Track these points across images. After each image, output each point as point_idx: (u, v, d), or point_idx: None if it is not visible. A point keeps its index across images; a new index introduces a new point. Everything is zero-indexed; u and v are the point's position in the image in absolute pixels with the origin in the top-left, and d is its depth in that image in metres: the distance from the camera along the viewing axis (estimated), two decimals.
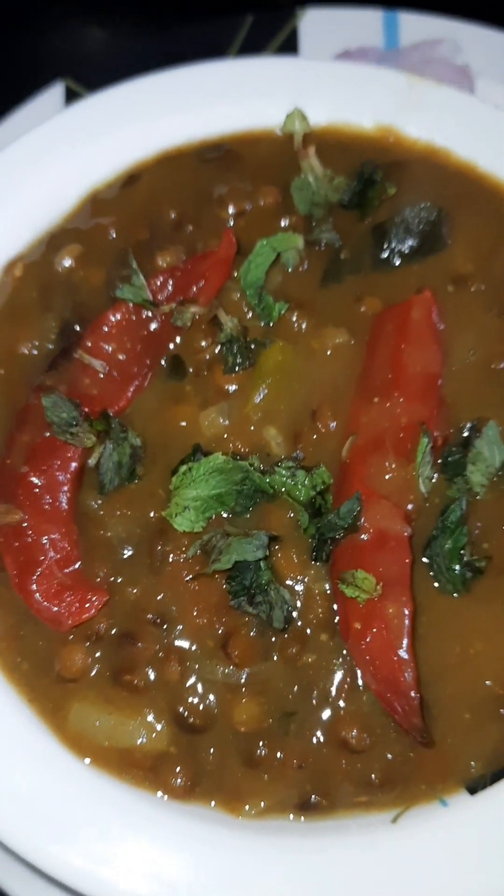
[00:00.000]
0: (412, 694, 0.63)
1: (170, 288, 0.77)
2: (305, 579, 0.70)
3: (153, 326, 0.77)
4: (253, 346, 0.76)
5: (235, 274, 0.79)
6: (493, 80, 1.07)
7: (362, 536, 0.68)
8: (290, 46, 1.09)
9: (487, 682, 0.68)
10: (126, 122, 0.88)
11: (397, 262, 0.81)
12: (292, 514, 0.72)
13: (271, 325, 0.78)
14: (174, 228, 0.82)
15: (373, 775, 0.66)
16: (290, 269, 0.80)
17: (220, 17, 1.10)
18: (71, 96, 1.05)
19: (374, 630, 0.64)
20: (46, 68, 1.10)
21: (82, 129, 0.87)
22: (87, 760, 0.67)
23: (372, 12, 1.12)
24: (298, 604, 0.69)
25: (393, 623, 0.64)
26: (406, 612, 0.65)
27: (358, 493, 0.69)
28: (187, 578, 0.69)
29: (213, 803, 0.66)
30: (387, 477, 0.71)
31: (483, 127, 0.86)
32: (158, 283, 0.77)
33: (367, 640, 0.64)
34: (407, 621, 0.65)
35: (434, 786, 0.67)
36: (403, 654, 0.64)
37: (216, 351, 0.76)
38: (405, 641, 0.64)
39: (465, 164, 0.85)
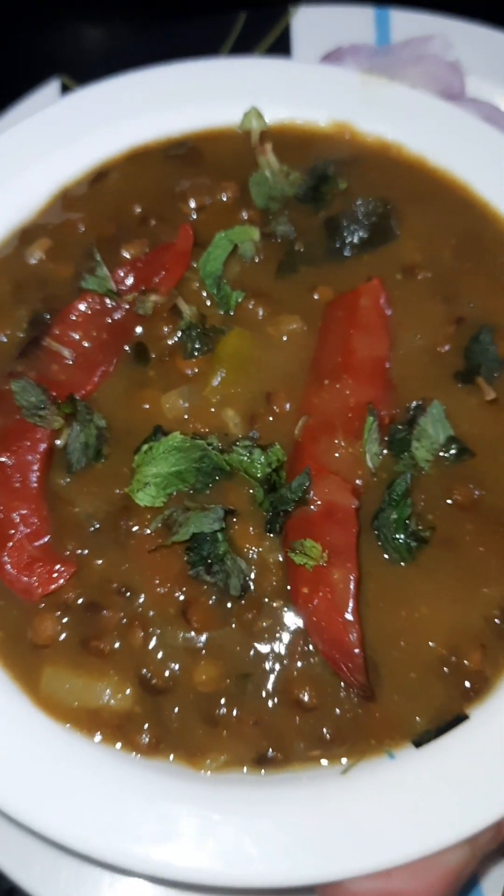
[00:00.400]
0: (356, 652, 0.68)
1: (132, 279, 0.81)
2: (260, 550, 0.74)
3: (117, 315, 0.81)
4: (212, 333, 0.81)
5: (195, 265, 0.83)
6: (484, 75, 1.12)
7: (311, 508, 0.73)
8: (282, 43, 1.14)
9: (431, 644, 0.72)
10: (95, 122, 0.92)
11: (349, 253, 0.85)
12: (251, 491, 0.77)
13: (230, 313, 0.82)
14: (139, 223, 0.86)
15: (324, 731, 0.71)
16: (247, 261, 0.85)
17: (214, 14, 1.14)
18: (67, 93, 1.08)
19: (321, 594, 0.69)
20: (43, 65, 1.14)
21: (54, 129, 0.91)
22: (68, 725, 0.72)
23: (364, 10, 1.17)
24: (254, 573, 0.74)
25: (338, 588, 0.69)
26: (351, 577, 0.70)
27: (308, 468, 0.74)
28: (150, 550, 0.74)
29: (173, 758, 0.71)
30: (336, 454, 0.76)
31: (433, 122, 0.90)
32: (122, 274, 0.81)
33: (315, 603, 0.69)
34: (352, 586, 0.69)
35: (382, 740, 0.71)
36: (348, 616, 0.69)
37: (177, 337, 0.81)
38: (350, 605, 0.69)
39: (415, 158, 0.90)
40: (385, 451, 0.78)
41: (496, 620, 0.74)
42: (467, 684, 0.72)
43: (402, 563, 0.74)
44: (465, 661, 0.72)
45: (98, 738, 0.72)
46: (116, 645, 0.73)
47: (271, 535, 0.75)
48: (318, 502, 0.73)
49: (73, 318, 0.80)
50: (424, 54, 1.12)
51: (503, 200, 0.87)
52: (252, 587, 0.74)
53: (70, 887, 0.81)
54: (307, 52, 1.12)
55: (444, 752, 0.71)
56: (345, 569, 0.70)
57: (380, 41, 1.14)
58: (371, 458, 0.76)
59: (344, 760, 0.71)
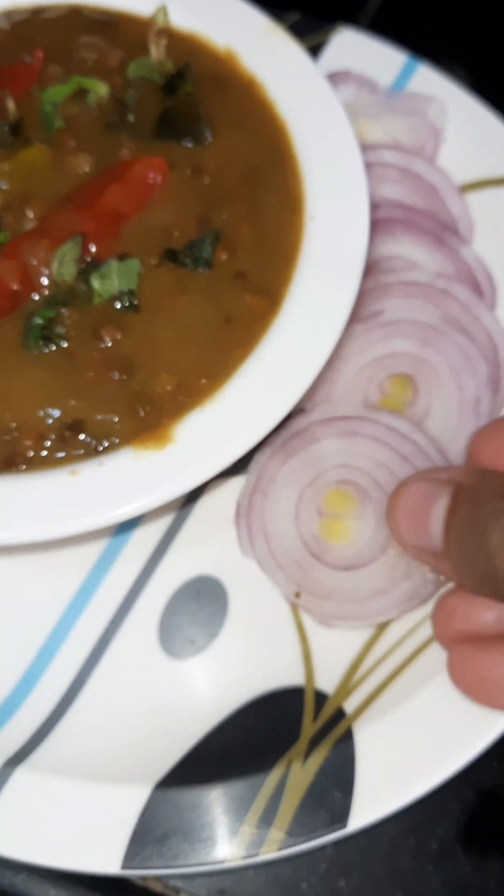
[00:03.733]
0: None
1: None
2: None
3: None
4: (23, 140, 0.99)
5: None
6: (458, 149, 1.20)
7: None
8: (313, 50, 1.26)
9: (7, 416, 0.87)
10: None
11: (164, 138, 1.01)
12: None
13: (49, 134, 1.00)
14: (34, 47, 1.06)
15: None
16: (89, 108, 1.02)
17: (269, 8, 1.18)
18: None
19: None
20: None
21: None
22: None
23: (398, 53, 1.26)
24: None
25: None
26: None
27: (1, 244, 0.91)
28: None
29: None
30: (33, 254, 0.92)
31: (301, 83, 1.04)
32: None
33: None
34: None
35: None
36: None
37: None
38: None
39: (268, 101, 1.04)
40: (78, 276, 0.93)
41: (66, 431, 0.88)
42: (14, 457, 0.87)
43: (28, 350, 0.90)
44: (21, 440, 0.87)
45: None
46: None
47: None
48: None
49: None
50: (417, 111, 1.22)
51: (307, 164, 1.00)
52: None
53: None
54: (327, 65, 1.24)
55: None
56: None
57: (394, 85, 1.24)
58: (58, 271, 0.92)
59: None
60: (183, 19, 1.07)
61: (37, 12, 1.10)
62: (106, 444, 0.87)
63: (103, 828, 0.88)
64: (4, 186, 0.97)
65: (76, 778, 0.90)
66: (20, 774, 0.90)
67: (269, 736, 0.94)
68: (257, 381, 0.89)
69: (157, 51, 1.05)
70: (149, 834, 0.88)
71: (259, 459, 0.99)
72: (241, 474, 1.02)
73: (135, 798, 0.89)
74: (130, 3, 1.09)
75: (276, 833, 0.87)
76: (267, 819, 0.88)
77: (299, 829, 0.87)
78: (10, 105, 0.99)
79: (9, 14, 1.11)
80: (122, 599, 1.00)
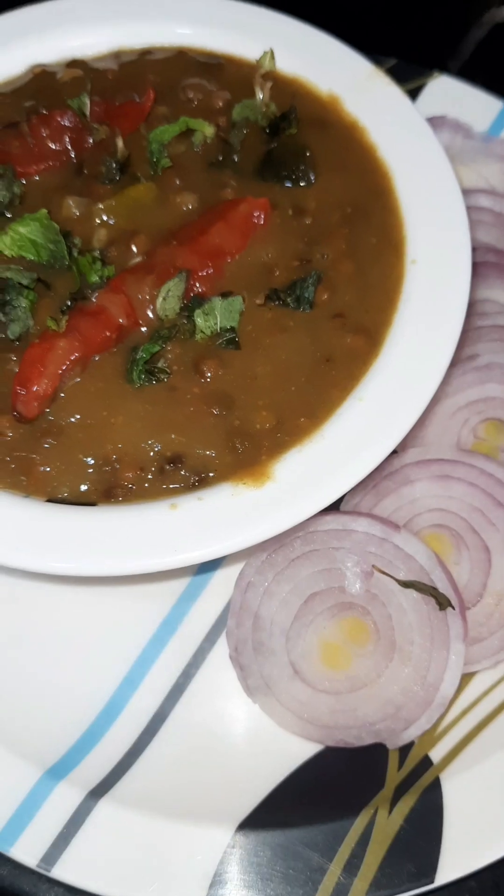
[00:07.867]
0: (34, 397, 0.86)
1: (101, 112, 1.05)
2: (48, 319, 0.93)
3: (79, 133, 1.04)
4: (130, 176, 1.01)
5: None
6: None
7: (90, 304, 0.91)
8: (411, 94, 1.26)
9: (108, 445, 0.88)
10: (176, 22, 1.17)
11: (267, 179, 1.03)
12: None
13: (155, 172, 1.02)
14: (143, 85, 1.08)
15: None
16: (194, 147, 1.04)
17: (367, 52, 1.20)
18: None
19: (42, 345, 0.87)
20: None
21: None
22: None
23: (494, 100, 1.28)
24: (32, 330, 0.93)
25: (56, 349, 0.87)
26: (70, 353, 0.87)
27: (108, 278, 0.92)
28: None
29: None
30: (139, 289, 0.93)
31: (403, 127, 1.05)
32: (97, 109, 1.05)
33: (34, 350, 0.87)
34: (68, 358, 0.87)
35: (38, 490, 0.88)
36: (48, 374, 0.86)
37: (104, 166, 1.02)
38: (55, 367, 0.87)
39: (370, 144, 1.05)
40: (181, 311, 0.94)
41: (166, 464, 0.88)
42: (114, 489, 0.88)
43: (130, 385, 0.91)
44: (122, 472, 0.88)
45: None
46: None
47: (63, 314, 0.94)
48: (98, 304, 0.92)
49: (50, 119, 1.04)
50: None
51: (409, 207, 1.00)
52: (25, 340, 0.93)
53: None
54: (423, 109, 1.22)
55: None
56: (72, 345, 0.88)
57: (490, 131, 1.25)
58: (162, 306, 0.93)
59: None
60: (287, 63, 1.10)
61: (144, 53, 1.14)
62: (204, 478, 0.88)
63: (184, 867, 0.87)
64: (111, 221, 0.99)
65: (157, 814, 0.90)
66: (103, 807, 0.90)
67: (352, 781, 0.92)
68: (356, 422, 0.89)
69: (262, 93, 1.07)
70: (230, 876, 0.87)
71: (350, 500, 0.99)
72: (331, 513, 1.02)
73: (216, 839, 0.88)
74: (236, 46, 1.12)
75: (361, 884, 0.86)
76: (351, 869, 0.86)
77: (385, 880, 0.86)
78: (119, 143, 1.02)
79: (118, 55, 1.14)
80: (206, 634, 1.00)
